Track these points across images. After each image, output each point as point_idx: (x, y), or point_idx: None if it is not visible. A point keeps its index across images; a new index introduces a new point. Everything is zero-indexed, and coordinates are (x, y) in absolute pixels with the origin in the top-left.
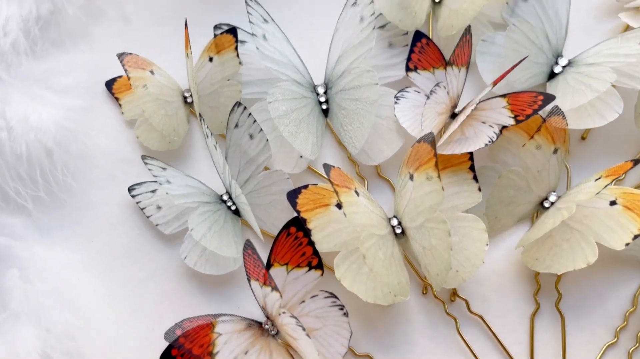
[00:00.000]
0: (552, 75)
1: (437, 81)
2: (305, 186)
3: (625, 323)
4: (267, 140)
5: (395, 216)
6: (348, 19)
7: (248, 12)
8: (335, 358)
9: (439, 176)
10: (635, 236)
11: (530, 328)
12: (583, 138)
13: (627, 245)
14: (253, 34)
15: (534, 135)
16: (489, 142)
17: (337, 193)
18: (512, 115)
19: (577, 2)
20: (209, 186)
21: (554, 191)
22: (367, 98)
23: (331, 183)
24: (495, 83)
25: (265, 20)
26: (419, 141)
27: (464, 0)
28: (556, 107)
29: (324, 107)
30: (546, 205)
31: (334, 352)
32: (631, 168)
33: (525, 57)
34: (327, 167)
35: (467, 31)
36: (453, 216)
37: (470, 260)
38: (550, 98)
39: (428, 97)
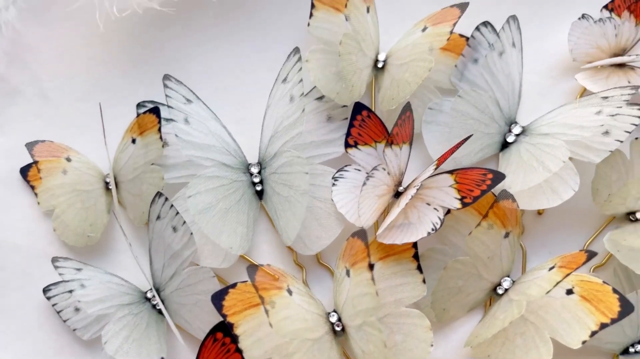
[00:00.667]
0: (505, 144)
1: (379, 156)
2: (234, 285)
3: None
4: (192, 233)
5: (335, 311)
6: (279, 96)
7: (166, 94)
8: None
9: (372, 279)
10: (593, 333)
11: None
12: (539, 213)
13: (584, 342)
14: (172, 120)
15: (481, 222)
16: (432, 230)
17: (262, 299)
18: (459, 197)
19: (532, 62)
20: (133, 282)
21: (508, 276)
22: (298, 187)
23: (255, 288)
24: (439, 164)
25: (188, 100)
26: (352, 235)
27: (406, 69)
28: (504, 191)
29: (258, 188)
30: (499, 291)
31: None
32: (585, 262)
33: (470, 136)
34: (251, 271)
35: (407, 108)
36: (396, 311)
37: None
38: (500, 177)
39: (364, 183)
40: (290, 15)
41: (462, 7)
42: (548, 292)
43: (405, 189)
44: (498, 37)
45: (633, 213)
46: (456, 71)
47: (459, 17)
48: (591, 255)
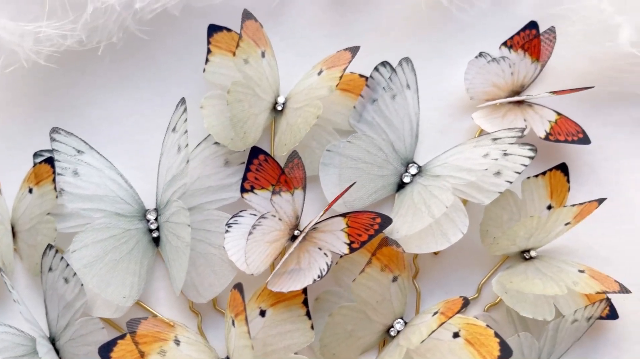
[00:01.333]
0: (403, 184)
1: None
2: (122, 336)
3: None
4: (82, 284)
5: (228, 357)
6: (169, 144)
7: (53, 148)
8: None
9: (248, 332)
10: None
11: None
12: (435, 254)
13: None
14: (59, 174)
15: (364, 268)
16: (318, 277)
17: (142, 354)
18: (348, 242)
19: (432, 100)
20: (29, 332)
21: (401, 318)
22: (183, 239)
23: (135, 343)
24: (325, 210)
25: (79, 151)
26: (234, 287)
27: (300, 114)
28: (385, 238)
29: (155, 235)
30: (392, 333)
31: None
32: (461, 308)
33: (354, 184)
34: (132, 324)
35: (294, 155)
36: (285, 357)
37: None
38: (387, 222)
39: (250, 232)
40: (190, 58)
41: (354, 50)
42: (423, 341)
43: (300, 232)
44: (390, 80)
45: (527, 251)
46: (354, 112)
47: (349, 62)
48: (466, 302)
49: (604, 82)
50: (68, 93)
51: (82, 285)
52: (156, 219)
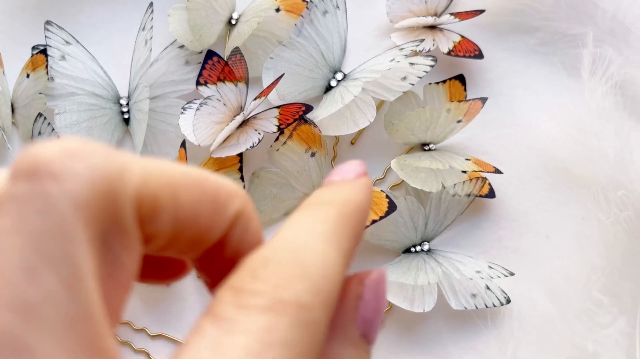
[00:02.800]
0: (330, 87)
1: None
2: None
3: None
4: None
5: None
6: (139, 41)
7: (46, 36)
8: None
9: None
10: (366, 227)
11: None
12: (352, 143)
13: None
14: (50, 56)
15: (286, 141)
16: (251, 147)
17: None
18: (277, 124)
19: (362, 23)
20: None
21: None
22: (143, 110)
23: None
24: (258, 97)
25: (67, 42)
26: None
27: (245, 23)
28: (303, 118)
29: (126, 116)
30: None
31: None
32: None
33: (282, 75)
34: None
35: (236, 51)
36: None
37: None
38: (309, 109)
39: (197, 109)
40: None
41: None
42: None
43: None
44: (322, 0)
45: (427, 144)
46: (295, 28)
47: None
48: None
49: (506, 13)
50: (64, 2)
51: None
52: (127, 104)
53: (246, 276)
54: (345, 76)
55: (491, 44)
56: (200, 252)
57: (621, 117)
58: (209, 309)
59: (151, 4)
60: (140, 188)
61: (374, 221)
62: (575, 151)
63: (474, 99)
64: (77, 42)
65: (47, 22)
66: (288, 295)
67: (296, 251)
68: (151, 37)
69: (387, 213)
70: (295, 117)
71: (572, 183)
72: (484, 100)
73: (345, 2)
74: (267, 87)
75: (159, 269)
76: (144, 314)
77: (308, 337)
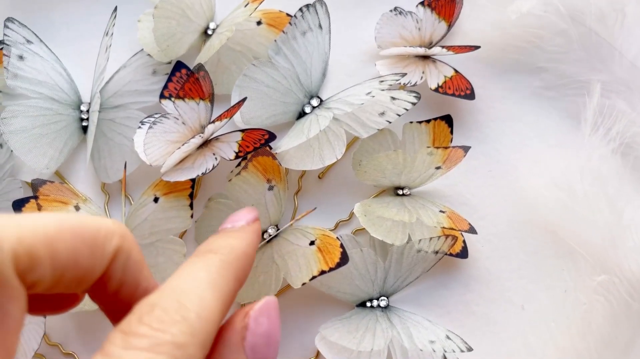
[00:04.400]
0: (304, 114)
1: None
2: (35, 197)
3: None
4: (12, 151)
5: None
6: (102, 47)
7: (5, 34)
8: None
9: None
10: (313, 278)
11: None
12: (319, 177)
13: (303, 284)
14: (5, 55)
15: (240, 172)
16: (204, 172)
17: (39, 207)
18: (237, 150)
19: (346, 45)
20: None
21: (276, 225)
22: (93, 121)
23: (35, 197)
24: (216, 120)
25: (28, 41)
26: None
27: (217, 37)
28: (266, 149)
29: (85, 124)
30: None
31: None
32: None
33: (244, 99)
34: (37, 182)
35: (200, 68)
36: (165, 238)
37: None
38: (272, 137)
39: (150, 127)
40: None
41: None
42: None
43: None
44: (303, 18)
45: (401, 188)
46: (274, 45)
47: None
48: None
49: (510, 49)
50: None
51: (12, 150)
52: (87, 111)
53: (134, 320)
54: (321, 102)
55: (490, 81)
56: (87, 287)
57: (619, 185)
58: (102, 348)
59: (115, 9)
60: (15, 247)
61: (322, 272)
62: (564, 217)
63: (455, 147)
64: (41, 41)
65: (8, 19)
66: (166, 337)
67: (179, 297)
68: (110, 45)
69: (338, 265)
70: (257, 145)
71: (558, 251)
72: (466, 149)
73: (329, 21)
74: (228, 110)
75: (52, 301)
76: (75, 339)
77: None
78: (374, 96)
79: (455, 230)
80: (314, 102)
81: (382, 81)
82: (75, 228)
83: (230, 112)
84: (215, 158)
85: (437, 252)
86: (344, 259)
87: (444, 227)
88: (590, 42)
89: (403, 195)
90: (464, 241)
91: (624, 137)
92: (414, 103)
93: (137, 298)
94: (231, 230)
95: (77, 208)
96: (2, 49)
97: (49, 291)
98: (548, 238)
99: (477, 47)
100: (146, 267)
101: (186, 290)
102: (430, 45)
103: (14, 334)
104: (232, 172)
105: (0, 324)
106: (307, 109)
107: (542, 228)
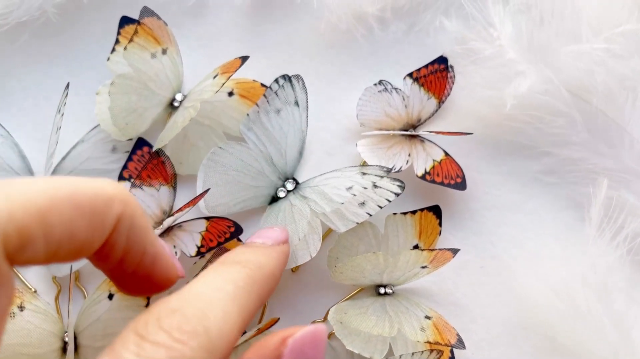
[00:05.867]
0: (277, 198)
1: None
2: None
3: None
4: None
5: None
6: (54, 126)
7: None
8: None
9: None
10: None
11: None
12: (293, 271)
13: None
14: None
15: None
16: None
17: None
18: (199, 245)
19: (325, 120)
20: None
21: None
22: None
23: None
24: (175, 212)
25: None
26: None
27: (185, 110)
28: (222, 247)
29: None
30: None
31: None
32: (240, 65)
33: (207, 191)
34: None
35: (161, 153)
36: None
37: None
38: (238, 231)
39: None
40: (108, 45)
41: (244, 59)
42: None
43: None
44: (277, 95)
45: (383, 286)
46: (247, 119)
47: (237, 69)
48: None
49: (506, 130)
50: None
51: None
52: None
53: (151, 322)
54: (297, 185)
55: (485, 163)
56: (86, 256)
57: (627, 296)
58: (112, 347)
59: (67, 85)
60: (5, 227)
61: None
62: (564, 323)
63: (441, 249)
64: None
65: None
66: (184, 350)
67: (202, 307)
68: (60, 127)
69: None
70: (221, 239)
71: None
72: (454, 251)
73: (306, 97)
74: (189, 202)
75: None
76: None
77: None
78: (355, 194)
79: (441, 344)
80: (289, 186)
81: (364, 173)
82: (71, 196)
83: (193, 202)
84: (175, 252)
85: None
86: None
87: (428, 341)
88: (596, 123)
89: (385, 293)
90: (451, 351)
91: (634, 241)
92: (397, 194)
93: (144, 264)
94: (261, 247)
95: (21, 308)
96: None
97: (43, 263)
98: (547, 345)
99: (469, 134)
100: (151, 230)
101: (209, 301)
102: (418, 122)
103: (1, 319)
104: (195, 264)
105: None
106: (281, 193)
107: (540, 334)
